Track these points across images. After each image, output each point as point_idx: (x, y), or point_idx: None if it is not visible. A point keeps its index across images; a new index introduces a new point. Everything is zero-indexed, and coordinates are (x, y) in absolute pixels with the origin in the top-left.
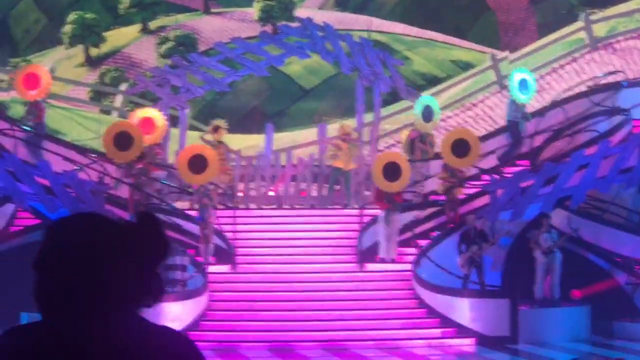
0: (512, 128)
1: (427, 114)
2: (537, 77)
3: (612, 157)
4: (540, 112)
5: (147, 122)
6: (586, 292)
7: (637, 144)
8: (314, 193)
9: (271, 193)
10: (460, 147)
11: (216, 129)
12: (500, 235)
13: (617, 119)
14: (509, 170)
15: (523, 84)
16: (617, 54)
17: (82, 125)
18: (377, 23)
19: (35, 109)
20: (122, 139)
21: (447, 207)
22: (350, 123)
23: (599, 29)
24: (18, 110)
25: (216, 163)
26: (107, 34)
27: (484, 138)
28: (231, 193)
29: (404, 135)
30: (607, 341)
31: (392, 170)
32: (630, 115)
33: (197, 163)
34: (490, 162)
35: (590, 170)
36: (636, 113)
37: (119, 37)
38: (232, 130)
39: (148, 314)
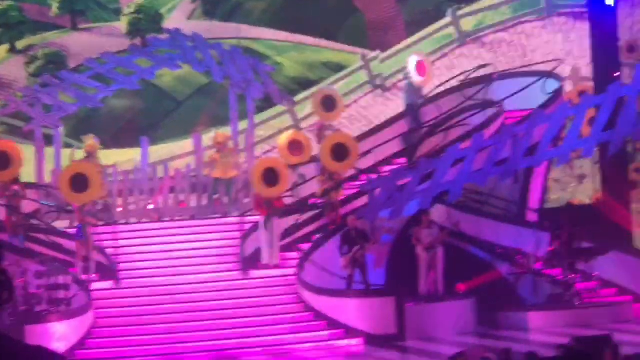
0: (412, 112)
1: (329, 104)
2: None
3: (487, 150)
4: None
5: None
6: (470, 285)
7: (509, 135)
8: (193, 203)
9: (150, 206)
10: (339, 151)
11: (91, 146)
12: (381, 233)
13: (490, 111)
14: (386, 169)
15: (420, 66)
16: (486, 47)
17: None
18: (246, 30)
19: None
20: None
21: (327, 209)
22: (225, 131)
23: (467, 24)
24: None
25: (98, 180)
26: None
27: (381, 127)
28: (109, 208)
29: (283, 139)
30: (493, 332)
31: (270, 176)
32: (502, 107)
33: (79, 182)
34: (368, 161)
35: (466, 164)
36: (508, 105)
37: None
38: (107, 145)
39: (33, 335)
